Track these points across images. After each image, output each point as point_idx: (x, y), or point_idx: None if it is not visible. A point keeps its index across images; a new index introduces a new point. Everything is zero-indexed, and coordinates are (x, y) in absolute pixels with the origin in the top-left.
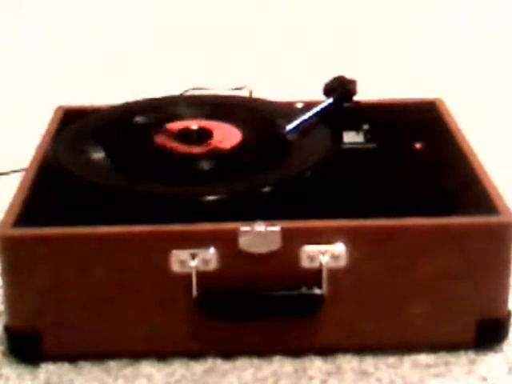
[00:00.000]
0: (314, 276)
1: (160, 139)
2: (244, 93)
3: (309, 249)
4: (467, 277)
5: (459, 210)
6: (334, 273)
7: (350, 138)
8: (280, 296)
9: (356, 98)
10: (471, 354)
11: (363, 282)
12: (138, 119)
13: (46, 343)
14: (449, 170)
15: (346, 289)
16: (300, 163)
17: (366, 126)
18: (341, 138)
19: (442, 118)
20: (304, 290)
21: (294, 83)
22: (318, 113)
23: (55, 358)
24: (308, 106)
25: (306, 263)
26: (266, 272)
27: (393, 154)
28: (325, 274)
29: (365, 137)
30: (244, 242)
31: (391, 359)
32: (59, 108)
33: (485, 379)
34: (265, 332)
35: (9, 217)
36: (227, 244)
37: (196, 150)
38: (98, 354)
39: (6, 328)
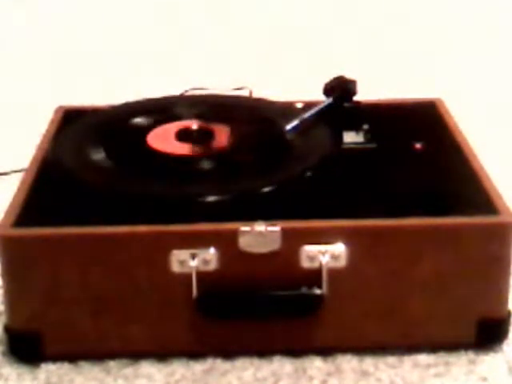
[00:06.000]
0: (314, 276)
1: (160, 139)
2: (244, 93)
3: (309, 249)
4: (467, 277)
5: (459, 209)
6: (333, 273)
7: (350, 137)
8: (280, 296)
9: (356, 98)
10: (471, 354)
11: (363, 281)
12: (138, 119)
13: (46, 343)
14: (449, 169)
15: (346, 289)
16: (300, 163)
17: (365, 126)
18: (341, 137)
19: (441, 118)
20: (304, 290)
21: (294, 83)
22: (317, 113)
23: (55, 358)
24: (308, 105)
25: (306, 263)
26: (266, 272)
27: (393, 154)
28: (325, 274)
29: (365, 137)
30: (244, 242)
31: (391, 359)
32: (59, 108)
33: (485, 379)
34: (265, 332)
35: (9, 217)
36: (227, 244)
37: (196, 150)
38: (98, 354)
39: (6, 328)
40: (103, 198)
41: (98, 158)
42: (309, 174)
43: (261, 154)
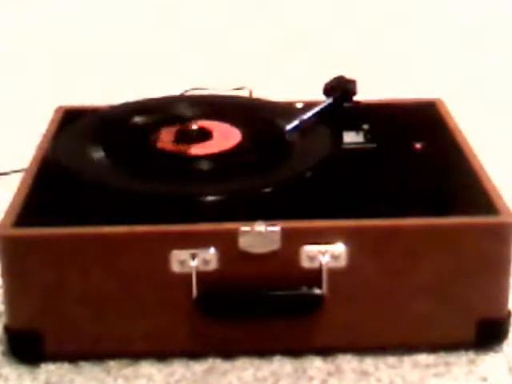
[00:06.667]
0: (314, 276)
1: (160, 140)
2: (244, 93)
3: (309, 249)
4: (467, 277)
5: (459, 209)
6: (333, 273)
7: (350, 137)
8: (280, 296)
9: (356, 98)
10: (471, 354)
11: (363, 282)
12: (138, 119)
13: (46, 343)
14: (449, 170)
15: (346, 289)
16: (300, 163)
17: (366, 126)
18: (341, 137)
19: (442, 118)
20: (304, 289)
21: (294, 83)
22: (317, 113)
23: (55, 357)
24: (308, 105)
25: (306, 263)
26: (266, 272)
27: (393, 154)
28: (325, 274)
29: (365, 137)
30: (244, 242)
31: (391, 359)
32: (59, 108)
33: (485, 379)
34: (265, 332)
35: (9, 217)
36: (227, 244)
37: (196, 149)
38: (98, 354)
39: (6, 328)
40: (103, 197)
41: (98, 157)
42: (309, 174)
43: (261, 154)
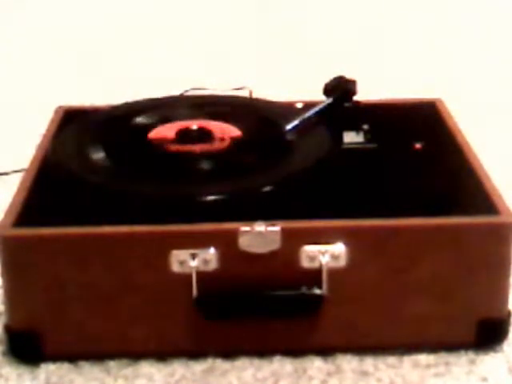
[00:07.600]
0: (314, 276)
1: (160, 140)
2: (244, 93)
3: (309, 249)
4: (467, 277)
5: (459, 209)
6: (333, 273)
7: (350, 138)
8: (280, 296)
9: (356, 97)
10: (471, 354)
11: (363, 281)
12: (138, 119)
13: (46, 343)
14: (449, 170)
15: (346, 289)
16: (300, 163)
17: (365, 126)
18: (341, 138)
19: (442, 118)
20: (304, 289)
21: (294, 83)
22: (317, 113)
23: (55, 358)
24: (308, 106)
25: (306, 263)
26: (266, 272)
27: (393, 154)
28: (325, 274)
29: (365, 137)
30: (244, 242)
31: (391, 359)
32: (59, 108)
33: (485, 379)
34: (265, 332)
35: (9, 217)
36: (227, 244)
37: (196, 149)
38: (98, 354)
39: (6, 328)
40: (103, 197)
41: (98, 157)
42: (308, 173)
43: (261, 153)
